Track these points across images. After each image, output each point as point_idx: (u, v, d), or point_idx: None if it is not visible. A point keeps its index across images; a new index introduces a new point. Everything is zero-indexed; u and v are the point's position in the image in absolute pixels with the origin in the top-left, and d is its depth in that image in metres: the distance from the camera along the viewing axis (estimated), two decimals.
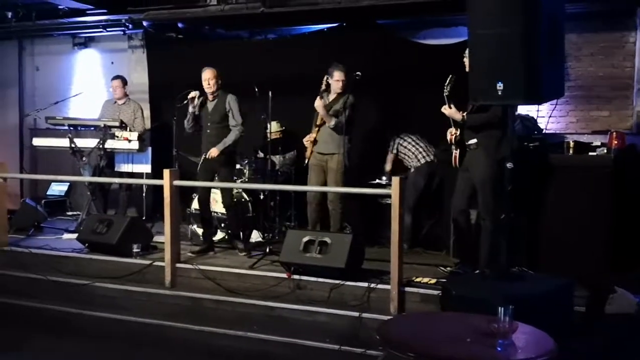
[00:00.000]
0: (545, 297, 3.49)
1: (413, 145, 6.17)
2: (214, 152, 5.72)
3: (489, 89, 3.57)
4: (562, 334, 2.62)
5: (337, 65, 5.64)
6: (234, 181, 6.20)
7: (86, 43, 8.79)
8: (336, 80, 5.60)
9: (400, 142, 6.22)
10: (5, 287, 5.58)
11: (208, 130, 5.83)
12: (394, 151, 6.27)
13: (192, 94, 5.74)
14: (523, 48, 3.42)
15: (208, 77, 5.75)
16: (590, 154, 4.89)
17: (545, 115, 6.17)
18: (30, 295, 5.38)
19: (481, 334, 2.41)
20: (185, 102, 5.79)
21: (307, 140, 5.80)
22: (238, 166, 6.41)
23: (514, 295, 3.27)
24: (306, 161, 5.87)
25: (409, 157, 6.17)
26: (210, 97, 5.83)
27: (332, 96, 5.69)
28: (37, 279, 5.55)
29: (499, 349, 2.29)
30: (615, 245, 4.47)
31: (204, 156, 5.79)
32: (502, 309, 2.38)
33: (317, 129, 5.74)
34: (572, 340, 2.42)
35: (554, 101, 4.66)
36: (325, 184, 5.73)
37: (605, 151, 4.83)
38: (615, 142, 4.77)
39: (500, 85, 3.46)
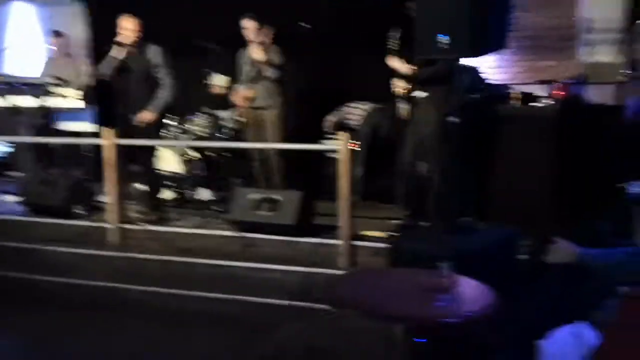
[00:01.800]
0: (489, 248, 3.55)
1: (358, 108, 6.14)
2: (147, 115, 5.20)
3: (433, 42, 3.52)
4: (506, 285, 2.66)
5: (246, 15, 5.44)
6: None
7: None
8: (250, 29, 5.41)
9: (346, 109, 6.17)
10: None
11: (131, 90, 5.27)
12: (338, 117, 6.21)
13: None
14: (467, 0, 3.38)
15: (125, 25, 5.11)
16: (536, 104, 4.94)
17: (491, 66, 6.18)
18: None
19: (425, 290, 2.43)
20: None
21: (239, 97, 5.66)
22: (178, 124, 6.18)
23: (459, 248, 3.31)
24: (240, 118, 5.77)
25: (355, 120, 6.13)
26: (125, 52, 5.15)
27: (252, 47, 5.49)
28: None
29: (440, 303, 2.32)
30: (560, 195, 4.57)
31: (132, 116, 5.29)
32: (444, 263, 2.40)
33: (250, 84, 5.61)
34: (515, 291, 2.46)
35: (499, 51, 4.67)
36: (264, 139, 5.64)
37: (551, 102, 4.89)
38: (560, 92, 4.82)
39: (444, 39, 3.42)
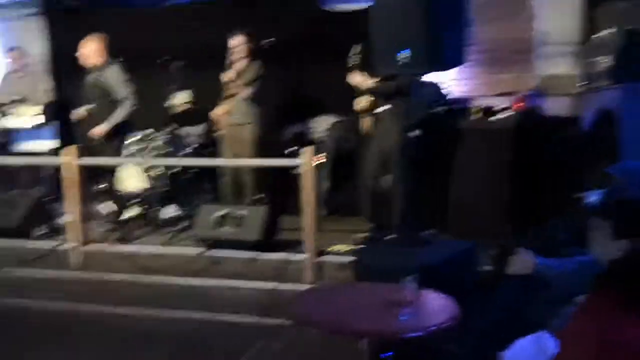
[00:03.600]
0: (451, 261, 3.60)
1: (323, 121, 6.20)
2: (98, 130, 5.24)
3: (391, 58, 3.57)
4: (467, 296, 2.69)
5: (234, 31, 5.51)
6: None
7: None
8: (234, 47, 5.48)
9: (311, 123, 6.23)
10: None
11: (90, 109, 5.33)
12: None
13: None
14: (423, 16, 3.44)
15: (89, 48, 5.22)
16: (495, 117, 5.04)
17: (451, 80, 6.28)
18: None
19: (388, 304, 2.45)
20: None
21: (217, 114, 5.68)
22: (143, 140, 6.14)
23: (420, 261, 3.34)
24: (217, 134, 5.78)
25: (320, 133, 6.18)
26: (89, 73, 5.27)
27: (239, 65, 5.55)
28: None
29: (402, 317, 2.34)
30: (517, 207, 4.66)
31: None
32: (406, 277, 2.42)
33: (227, 100, 5.63)
34: (475, 303, 2.50)
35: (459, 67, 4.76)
36: (238, 155, 5.65)
37: (510, 114, 4.99)
38: (518, 104, 4.93)
39: (402, 55, 3.47)
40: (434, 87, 5.52)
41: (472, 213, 4.68)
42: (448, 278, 3.12)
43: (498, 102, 5.36)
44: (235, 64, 5.56)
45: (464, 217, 4.70)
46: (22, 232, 5.39)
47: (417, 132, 3.89)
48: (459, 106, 5.31)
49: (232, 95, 5.61)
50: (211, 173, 6.27)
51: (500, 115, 5.03)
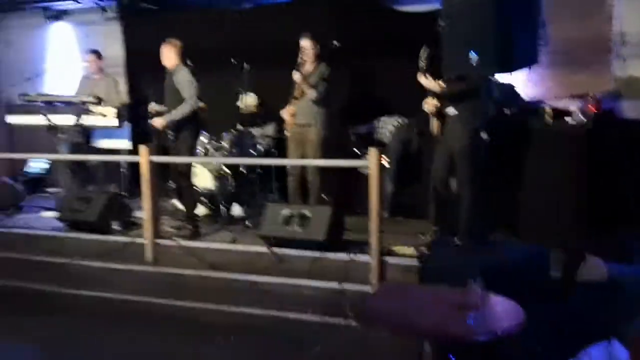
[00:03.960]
0: (519, 265, 3.52)
1: (389, 122, 6.18)
2: (157, 121, 5.57)
3: (462, 58, 3.53)
4: (536, 303, 2.64)
5: (303, 33, 5.61)
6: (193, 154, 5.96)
7: (59, 16, 8.57)
8: (302, 49, 5.58)
9: (377, 123, 6.23)
10: None
11: (166, 108, 5.68)
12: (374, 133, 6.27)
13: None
14: (495, 17, 3.39)
15: (165, 53, 5.59)
16: (567, 119, 4.89)
17: (523, 81, 6.14)
18: (11, 275, 5.35)
19: (454, 307, 2.43)
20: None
21: (286, 113, 5.79)
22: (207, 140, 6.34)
23: (489, 265, 3.29)
24: (286, 134, 5.88)
25: (385, 134, 6.17)
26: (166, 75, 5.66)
27: (307, 67, 5.65)
28: (17, 259, 5.52)
29: (469, 321, 2.32)
30: (590, 213, 4.51)
31: (168, 134, 5.67)
32: (473, 280, 2.40)
33: (295, 101, 5.72)
34: (545, 308, 2.45)
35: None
36: (304, 155, 5.73)
37: (583, 117, 4.84)
38: (592, 107, 4.77)
39: (473, 56, 3.43)
40: (506, 88, 5.41)
41: (542, 218, 4.57)
42: (516, 283, 3.06)
43: (571, 104, 5.20)
44: (303, 66, 5.65)
45: (534, 221, 4.59)
46: (99, 226, 5.62)
47: (486, 135, 3.82)
48: (531, 108, 5.18)
49: (299, 97, 5.70)
50: (277, 173, 6.39)
51: (573, 118, 4.88)
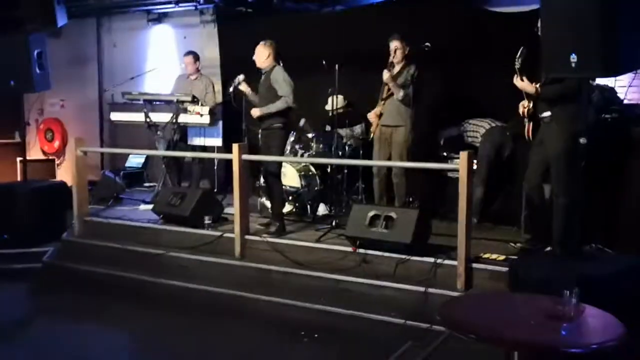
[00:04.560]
0: (616, 277, 3.35)
1: (480, 126, 6.04)
2: (255, 111, 5.67)
3: (562, 61, 3.40)
4: (633, 318, 2.51)
5: (392, 35, 5.61)
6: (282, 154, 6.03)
7: (160, 19, 8.98)
8: (392, 50, 5.58)
9: (467, 126, 6.11)
10: (86, 255, 5.90)
11: (258, 106, 5.75)
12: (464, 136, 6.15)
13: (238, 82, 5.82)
14: (600, 16, 3.23)
15: (261, 52, 5.70)
16: None
17: (625, 85, 5.83)
18: (109, 263, 5.66)
19: (547, 317, 2.35)
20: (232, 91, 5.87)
21: (372, 115, 5.80)
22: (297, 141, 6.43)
23: (584, 275, 3.15)
24: (371, 135, 5.88)
25: (476, 137, 6.04)
26: (243, 85, 5.83)
27: (396, 68, 5.63)
28: (115, 248, 5.83)
29: (563, 332, 2.23)
30: None
31: (260, 132, 5.81)
32: (568, 290, 2.31)
33: (382, 102, 5.72)
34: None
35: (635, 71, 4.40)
36: (390, 157, 5.72)
37: None
38: None
39: (574, 57, 3.30)
40: (607, 91, 5.16)
41: None
42: (613, 295, 2.92)
43: None
44: (392, 67, 5.64)
45: (633, 233, 4.34)
46: (192, 221, 5.84)
47: (584, 140, 3.66)
48: (634, 113, 4.91)
49: (388, 98, 5.69)
50: (364, 174, 6.40)
51: None
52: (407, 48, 5.64)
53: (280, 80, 5.60)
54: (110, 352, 4.22)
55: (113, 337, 4.56)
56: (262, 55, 5.67)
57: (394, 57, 5.63)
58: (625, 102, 5.39)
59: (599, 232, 4.50)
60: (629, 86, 5.89)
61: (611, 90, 5.38)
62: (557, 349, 2.18)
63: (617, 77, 5.48)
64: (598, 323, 2.34)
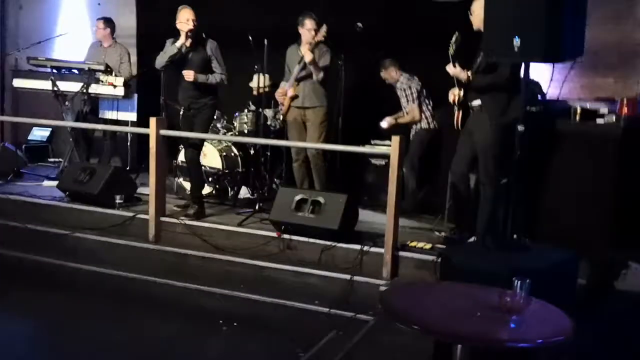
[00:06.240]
0: (551, 269, 3.33)
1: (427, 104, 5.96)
2: (189, 74, 5.15)
3: (504, 44, 3.32)
4: (566, 310, 2.45)
5: (307, 13, 5.40)
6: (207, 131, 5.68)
7: None
8: (308, 29, 5.38)
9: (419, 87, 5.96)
10: None
11: (185, 81, 5.27)
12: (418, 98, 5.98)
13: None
14: (547, 2, 3.18)
15: (189, 16, 5.12)
16: (598, 121, 4.69)
17: (548, 80, 5.94)
18: (8, 243, 5.15)
19: (491, 308, 2.24)
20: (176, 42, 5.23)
21: (280, 95, 5.60)
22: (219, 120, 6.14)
23: (520, 267, 3.09)
24: (281, 118, 5.70)
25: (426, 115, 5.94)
26: (188, 41, 5.20)
27: (304, 47, 5.41)
28: (16, 227, 5.34)
29: (512, 325, 2.13)
30: (619, 219, 4.32)
31: (183, 108, 5.38)
32: (518, 282, 2.20)
33: (296, 82, 5.52)
34: (577, 317, 2.26)
35: (556, 66, 4.45)
36: (304, 139, 5.55)
37: (614, 119, 4.64)
38: (626, 110, 4.58)
39: (517, 41, 3.22)
40: (532, 84, 5.20)
41: (568, 220, 4.37)
42: (548, 287, 2.87)
43: (598, 107, 5.01)
44: (308, 48, 5.40)
45: (560, 223, 4.39)
46: (101, 199, 5.44)
47: (521, 127, 3.62)
48: (558, 107, 4.97)
49: (302, 78, 5.53)
50: (288, 156, 6.17)
51: (603, 120, 4.68)
52: (323, 28, 5.38)
53: (220, 56, 5.30)
54: (10, 343, 3.78)
55: (14, 326, 4.10)
56: (193, 20, 5.18)
57: (314, 37, 5.40)
58: (550, 96, 5.48)
59: (520, 223, 4.52)
60: (551, 81, 6.02)
61: (536, 84, 5.44)
62: (506, 342, 2.07)
63: (540, 72, 5.57)
64: (545, 316, 2.26)
